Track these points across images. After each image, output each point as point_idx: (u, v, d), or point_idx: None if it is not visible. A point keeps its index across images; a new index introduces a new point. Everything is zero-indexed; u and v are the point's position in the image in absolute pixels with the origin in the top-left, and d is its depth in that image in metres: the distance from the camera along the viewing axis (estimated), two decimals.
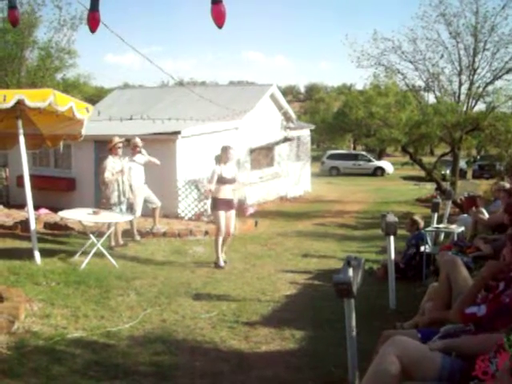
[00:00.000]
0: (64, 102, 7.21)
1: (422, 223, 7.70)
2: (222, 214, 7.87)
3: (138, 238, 9.53)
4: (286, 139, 19.53)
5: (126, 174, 8.86)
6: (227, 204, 7.93)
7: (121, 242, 8.95)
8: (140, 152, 9.52)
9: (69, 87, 23.91)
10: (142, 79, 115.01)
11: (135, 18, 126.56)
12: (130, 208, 9.11)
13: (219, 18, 3.43)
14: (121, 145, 8.85)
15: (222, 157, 7.90)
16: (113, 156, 8.69)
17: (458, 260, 4.26)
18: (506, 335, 2.54)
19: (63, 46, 22.40)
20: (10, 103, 6.65)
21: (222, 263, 7.94)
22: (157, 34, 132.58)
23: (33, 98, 6.87)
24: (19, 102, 6.80)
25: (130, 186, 8.97)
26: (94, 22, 3.75)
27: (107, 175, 8.49)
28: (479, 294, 3.47)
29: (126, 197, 8.77)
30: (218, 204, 7.88)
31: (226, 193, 7.89)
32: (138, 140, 9.57)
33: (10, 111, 7.25)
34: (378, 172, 33.97)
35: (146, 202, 9.70)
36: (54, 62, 22.90)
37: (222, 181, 7.81)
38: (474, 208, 7.84)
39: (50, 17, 22.27)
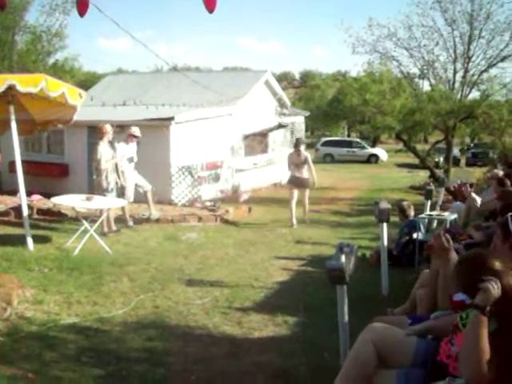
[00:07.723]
0: (56, 88, 7.15)
1: (410, 210, 7.55)
2: None
3: (130, 223, 9.50)
4: (280, 126, 19.43)
5: (119, 160, 8.85)
6: None
7: (114, 227, 8.94)
8: (136, 141, 9.52)
9: (60, 72, 23.64)
10: (135, 64, 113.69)
11: (126, 1, 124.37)
12: (122, 194, 9.10)
13: (210, 3, 3.39)
14: (111, 130, 8.81)
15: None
16: (104, 142, 8.66)
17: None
18: (460, 314, 2.53)
19: (56, 30, 22.19)
20: (1, 88, 6.59)
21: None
22: (148, 17, 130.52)
23: (24, 84, 6.80)
24: (11, 88, 6.73)
25: (122, 172, 8.97)
26: (82, 5, 3.70)
27: (101, 161, 8.46)
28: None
29: (117, 183, 8.76)
30: None
31: None
32: (136, 130, 9.51)
33: (2, 96, 7.18)
34: (372, 159, 33.91)
35: (136, 186, 9.67)
36: (44, 46, 22.66)
37: None
38: (468, 189, 7.71)
39: (42, 1, 22.05)
